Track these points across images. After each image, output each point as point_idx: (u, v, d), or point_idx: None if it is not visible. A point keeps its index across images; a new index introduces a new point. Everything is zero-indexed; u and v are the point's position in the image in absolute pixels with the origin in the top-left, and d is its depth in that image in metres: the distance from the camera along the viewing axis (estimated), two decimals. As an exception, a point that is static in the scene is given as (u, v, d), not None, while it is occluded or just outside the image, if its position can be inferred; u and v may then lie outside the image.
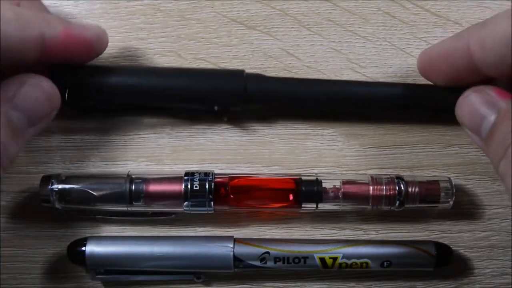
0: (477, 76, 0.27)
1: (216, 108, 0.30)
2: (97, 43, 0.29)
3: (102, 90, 0.30)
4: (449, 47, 0.28)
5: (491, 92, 0.27)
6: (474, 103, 0.27)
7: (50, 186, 0.30)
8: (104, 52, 0.32)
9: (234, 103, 0.31)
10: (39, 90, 0.26)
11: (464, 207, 0.32)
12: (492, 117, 0.26)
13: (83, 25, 0.29)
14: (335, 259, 0.30)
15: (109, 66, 0.31)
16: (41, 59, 0.27)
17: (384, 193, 0.30)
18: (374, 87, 0.31)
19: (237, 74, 0.30)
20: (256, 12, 0.33)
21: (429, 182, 0.30)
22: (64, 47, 0.27)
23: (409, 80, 0.33)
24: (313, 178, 0.31)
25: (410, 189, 0.30)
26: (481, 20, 0.26)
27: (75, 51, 0.28)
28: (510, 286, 0.32)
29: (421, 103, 0.31)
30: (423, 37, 0.33)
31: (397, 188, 0.30)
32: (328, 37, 0.33)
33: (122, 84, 0.30)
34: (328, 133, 0.33)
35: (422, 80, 0.33)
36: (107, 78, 0.30)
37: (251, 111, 0.32)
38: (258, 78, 0.31)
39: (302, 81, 0.31)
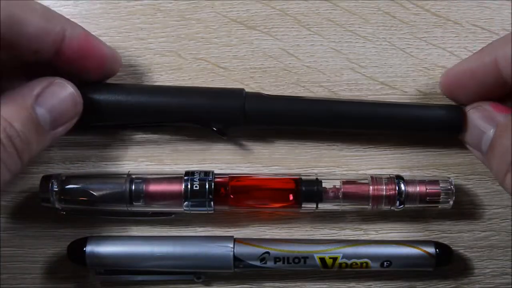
0: (505, 89, 0.28)
1: (215, 128, 0.30)
2: (110, 62, 0.29)
3: (101, 108, 0.29)
4: (476, 65, 0.28)
5: (488, 107, 0.28)
6: (472, 119, 0.28)
7: (50, 186, 0.30)
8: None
9: (233, 123, 0.30)
10: (65, 91, 0.27)
11: (464, 207, 0.32)
12: (491, 132, 0.27)
13: (102, 41, 0.29)
14: (335, 259, 0.30)
15: (107, 84, 0.31)
16: (55, 59, 0.27)
17: (384, 193, 0.30)
18: (375, 106, 0.31)
19: (236, 94, 0.30)
20: (256, 12, 0.33)
21: (429, 182, 0.30)
22: (80, 52, 0.27)
23: (409, 80, 0.33)
24: (313, 178, 0.31)
25: (410, 189, 0.30)
26: (506, 34, 0.28)
27: (88, 61, 0.28)
28: (510, 286, 0.32)
29: (423, 123, 0.31)
30: (423, 37, 0.33)
31: (397, 188, 0.30)
32: (328, 37, 0.33)
33: (120, 102, 0.29)
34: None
35: (422, 81, 0.33)
36: (106, 96, 0.29)
37: (251, 130, 0.32)
38: (258, 97, 0.30)
39: (302, 100, 0.31)
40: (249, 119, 0.30)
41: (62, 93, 0.27)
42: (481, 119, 0.28)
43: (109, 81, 0.31)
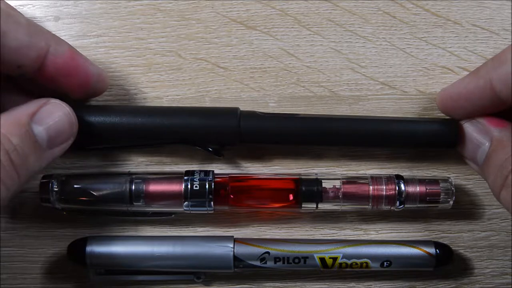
0: (503, 107, 0.28)
1: (210, 149, 0.30)
2: (96, 82, 0.29)
3: (95, 131, 0.29)
4: (471, 87, 0.28)
5: (483, 121, 0.29)
6: (468, 133, 0.29)
7: (50, 186, 0.30)
8: (105, 53, 0.32)
9: (229, 143, 0.30)
10: (61, 111, 0.27)
11: (464, 207, 0.32)
12: (486, 145, 0.28)
13: (89, 60, 0.29)
14: (335, 259, 0.30)
15: (101, 106, 0.31)
16: (39, 75, 0.27)
17: (384, 193, 0.30)
18: (370, 123, 0.31)
19: (231, 113, 0.30)
20: (256, 12, 0.33)
21: (429, 182, 0.30)
22: (63, 69, 0.27)
23: (409, 80, 0.33)
24: (313, 178, 0.31)
25: (410, 189, 0.30)
26: (496, 54, 0.28)
27: (72, 79, 0.28)
28: (510, 286, 0.32)
29: (419, 138, 0.31)
30: (423, 37, 0.33)
31: (397, 188, 0.30)
32: (328, 37, 0.33)
33: (114, 124, 0.29)
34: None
35: (422, 81, 0.33)
36: (100, 119, 0.29)
37: (247, 148, 0.32)
38: (252, 116, 0.30)
39: (297, 117, 0.31)
40: (244, 138, 0.30)
41: (58, 112, 0.27)
42: (477, 133, 0.29)
43: (104, 101, 0.31)
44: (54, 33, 0.28)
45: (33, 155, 0.25)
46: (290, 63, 0.33)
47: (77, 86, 0.28)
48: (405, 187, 0.30)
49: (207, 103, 0.32)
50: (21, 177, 0.25)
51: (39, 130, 0.26)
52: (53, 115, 0.27)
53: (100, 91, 0.30)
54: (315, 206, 0.30)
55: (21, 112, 0.26)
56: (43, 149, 0.26)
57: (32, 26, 0.26)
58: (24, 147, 0.25)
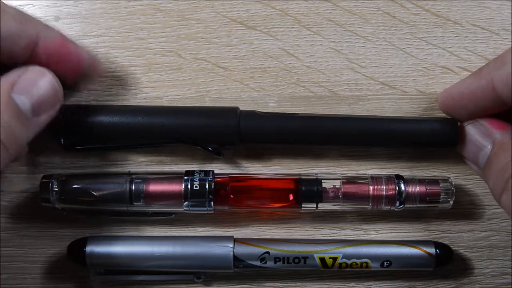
0: (504, 108, 0.28)
1: (210, 148, 0.30)
2: (88, 67, 0.29)
3: (96, 130, 0.30)
4: (473, 87, 0.28)
5: (485, 123, 0.29)
6: (469, 135, 0.29)
7: (50, 186, 0.30)
8: (105, 53, 0.32)
9: (228, 142, 0.30)
10: (43, 77, 0.27)
11: (464, 207, 0.32)
12: (488, 148, 0.28)
13: (80, 46, 0.29)
14: (335, 259, 0.30)
15: (103, 105, 0.31)
16: (31, 62, 0.27)
17: (384, 193, 0.30)
18: (369, 122, 0.31)
19: (231, 113, 0.30)
20: (256, 12, 0.33)
21: (429, 182, 0.30)
22: (55, 56, 0.27)
23: (409, 80, 0.33)
24: (313, 178, 0.31)
25: (410, 189, 0.30)
26: (498, 55, 0.28)
27: (65, 65, 0.28)
28: (510, 286, 0.32)
29: (419, 138, 0.31)
30: (423, 37, 0.33)
31: (397, 188, 0.30)
32: (328, 37, 0.33)
33: (114, 124, 0.30)
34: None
35: (422, 81, 0.33)
36: (100, 118, 0.30)
37: (247, 148, 0.32)
38: (252, 116, 0.30)
39: (297, 117, 0.31)
40: (244, 138, 0.30)
41: (40, 79, 0.26)
42: (479, 135, 0.29)
43: (104, 101, 0.31)
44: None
45: (18, 125, 0.25)
46: (290, 63, 0.33)
47: (70, 71, 0.28)
48: (405, 187, 0.30)
49: (207, 103, 0.32)
50: (9, 150, 0.24)
51: (21, 99, 0.25)
52: (34, 82, 0.26)
53: (93, 77, 0.30)
54: (315, 206, 0.30)
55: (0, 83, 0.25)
56: (28, 118, 0.26)
57: (20, 14, 0.26)
58: (7, 119, 0.24)
